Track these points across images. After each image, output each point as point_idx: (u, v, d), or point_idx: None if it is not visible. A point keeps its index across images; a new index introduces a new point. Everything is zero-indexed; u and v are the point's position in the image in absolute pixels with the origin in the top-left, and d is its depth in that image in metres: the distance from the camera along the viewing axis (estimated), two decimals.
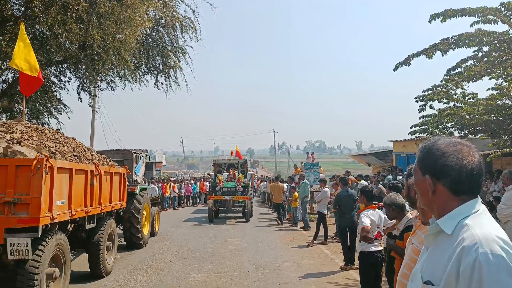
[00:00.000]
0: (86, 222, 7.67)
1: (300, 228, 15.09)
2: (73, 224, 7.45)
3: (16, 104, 12.72)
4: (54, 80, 13.78)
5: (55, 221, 6.06)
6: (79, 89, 14.50)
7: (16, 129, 6.76)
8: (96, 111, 20.81)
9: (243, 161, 22.32)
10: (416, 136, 11.48)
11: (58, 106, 14.00)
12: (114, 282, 7.98)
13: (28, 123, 7.71)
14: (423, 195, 1.54)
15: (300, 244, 11.96)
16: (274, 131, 71.42)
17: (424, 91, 11.11)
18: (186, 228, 16.00)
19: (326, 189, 12.52)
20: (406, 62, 8.48)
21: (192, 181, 30.96)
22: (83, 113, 23.14)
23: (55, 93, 13.73)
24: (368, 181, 16.06)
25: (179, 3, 15.39)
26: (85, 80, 14.01)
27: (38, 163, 5.54)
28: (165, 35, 15.33)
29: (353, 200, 9.23)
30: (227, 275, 8.45)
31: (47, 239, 5.81)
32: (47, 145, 6.48)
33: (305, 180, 15.75)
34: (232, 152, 32.36)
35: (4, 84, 12.57)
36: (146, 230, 12.12)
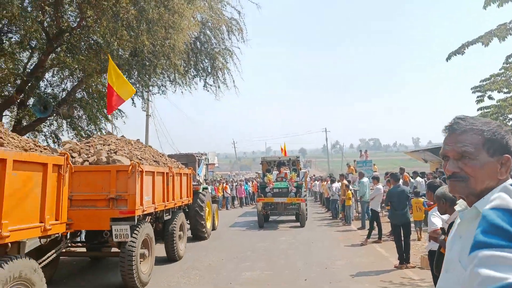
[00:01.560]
0: (164, 215, 9.31)
1: (358, 228, 14.61)
2: (153, 216, 8.97)
3: (75, 111, 13.39)
4: None
5: (145, 212, 7.67)
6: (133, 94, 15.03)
7: (111, 141, 8.53)
8: (150, 115, 21.52)
9: (295, 158, 19.17)
10: None
11: (114, 111, 14.57)
12: (166, 280, 8.19)
13: (117, 136, 9.44)
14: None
15: (354, 243, 11.70)
16: (326, 130, 70.54)
17: (481, 81, 10.51)
18: (237, 228, 16.11)
19: (380, 186, 12.15)
20: (460, 51, 8.02)
21: (241, 182, 31.11)
22: (137, 117, 24.01)
23: None
24: (425, 178, 15.45)
25: (225, 6, 15.58)
26: (137, 85, 14.50)
27: (133, 168, 7.07)
28: (212, 37, 15.54)
29: (406, 197, 8.89)
30: (278, 273, 8.42)
31: (139, 227, 7.38)
32: (135, 154, 8.05)
33: (364, 178, 15.19)
34: (282, 149, 29.79)
35: (63, 92, 13.27)
36: (208, 224, 13.76)
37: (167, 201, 9.00)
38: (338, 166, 79.85)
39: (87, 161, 7.34)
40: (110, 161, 7.32)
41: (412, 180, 16.11)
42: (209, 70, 16.19)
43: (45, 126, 13.48)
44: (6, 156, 4.26)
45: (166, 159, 10.16)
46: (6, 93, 12.19)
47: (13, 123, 12.62)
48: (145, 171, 7.55)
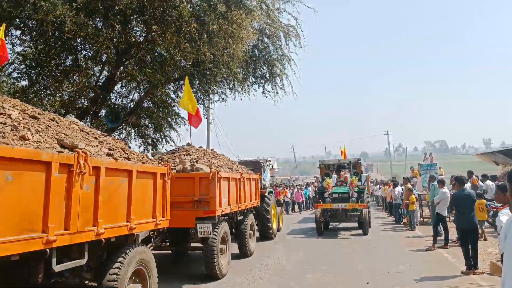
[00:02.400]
0: (237, 215, 10.38)
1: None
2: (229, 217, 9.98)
3: (142, 120, 14.22)
4: (173, 96, 15.08)
5: (223, 213, 8.78)
6: None
7: (192, 152, 9.77)
8: (211, 122, 22.21)
9: (355, 160, 18.00)
10: None
11: (177, 119, 15.26)
12: (231, 281, 8.48)
13: (196, 147, 10.59)
14: None
15: (419, 248, 11.39)
16: (387, 133, 68.60)
17: None
18: (293, 236, 15.51)
19: (445, 190, 11.71)
20: None
21: (298, 187, 30.94)
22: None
23: (174, 107, 15.01)
24: (496, 182, 14.65)
25: (282, 13, 15.80)
26: (199, 94, 15.09)
27: (213, 175, 8.19)
28: (270, 44, 15.81)
29: (472, 201, 8.54)
30: (340, 276, 8.44)
31: (219, 225, 8.51)
32: (213, 162, 9.16)
33: (435, 182, 14.56)
34: (341, 152, 27.84)
35: (131, 103, 14.14)
36: (274, 225, 14.69)
37: (239, 203, 10.07)
38: (401, 170, 77.22)
39: (174, 169, 8.22)
40: (193, 169, 8.54)
41: (481, 183, 15.35)
42: (267, 77, 16.46)
43: (116, 134, 14.41)
44: (133, 168, 5.47)
45: (237, 166, 11.32)
46: (81, 105, 13.23)
47: None
48: (223, 177, 8.71)
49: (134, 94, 14.52)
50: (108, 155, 5.11)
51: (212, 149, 11.51)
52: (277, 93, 16.67)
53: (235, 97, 16.44)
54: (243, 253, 10.74)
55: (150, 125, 14.83)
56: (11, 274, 4.18)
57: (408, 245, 11.97)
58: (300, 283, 7.97)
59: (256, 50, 15.88)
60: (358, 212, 14.86)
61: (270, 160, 17.00)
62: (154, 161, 6.89)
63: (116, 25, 10.65)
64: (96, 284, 5.00)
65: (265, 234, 13.86)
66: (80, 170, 4.27)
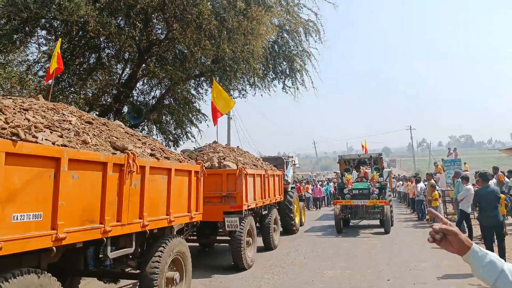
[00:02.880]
0: (261, 210, 10.90)
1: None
2: (254, 211, 10.53)
3: (164, 117, 14.42)
4: (194, 92, 15.24)
5: (249, 207, 9.36)
6: None
7: (219, 149, 10.31)
8: (231, 118, 22.31)
9: (376, 155, 17.26)
10: None
11: (198, 116, 15.42)
12: (252, 275, 8.57)
13: (222, 145, 11.23)
14: None
15: None
16: (410, 128, 67.54)
17: None
18: (313, 234, 14.70)
19: (469, 186, 11.52)
20: None
21: (322, 182, 30.69)
22: (220, 120, 24.92)
23: (195, 104, 15.17)
24: None
25: (302, 8, 15.76)
26: None
27: (240, 171, 8.78)
28: (290, 40, 15.78)
29: (496, 197, 8.33)
30: (360, 272, 8.42)
31: (245, 219, 9.05)
32: (239, 159, 9.70)
33: (459, 178, 14.26)
34: (362, 147, 27.49)
35: (153, 100, 14.35)
36: (297, 220, 15.05)
37: (264, 198, 10.64)
38: (425, 165, 76.00)
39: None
40: (221, 166, 9.07)
41: (507, 179, 15.01)
42: (287, 72, 16.46)
43: (138, 131, 14.65)
44: (171, 167, 6.03)
45: (262, 163, 11.79)
46: (104, 102, 13.50)
47: None
48: (248, 173, 9.26)
49: (155, 91, 14.74)
50: (151, 155, 5.62)
51: (238, 147, 12.03)
52: (297, 88, 16.67)
53: (255, 93, 16.51)
54: (267, 247, 11.21)
55: (171, 121, 15.02)
56: (69, 261, 4.97)
57: (430, 243, 11.81)
58: (319, 280, 7.99)
59: (276, 46, 15.88)
60: (379, 209, 14.28)
61: (292, 156, 17.29)
62: (189, 160, 7.34)
63: (138, 24, 10.83)
64: (138, 271, 5.61)
65: (288, 228, 14.17)
66: (130, 169, 4.82)
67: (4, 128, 3.38)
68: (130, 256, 5.61)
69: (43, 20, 10.94)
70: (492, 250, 8.07)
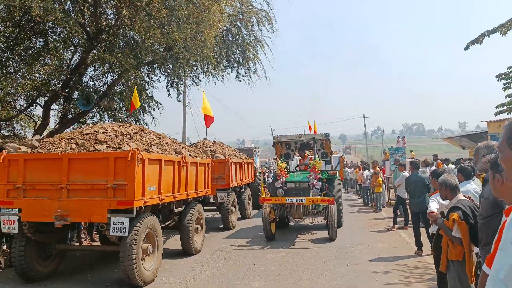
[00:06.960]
0: (240, 188, 14.82)
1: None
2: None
3: (115, 103, 14.28)
4: (146, 79, 15.14)
5: (233, 186, 13.24)
6: (168, 86, 15.71)
7: (210, 145, 14.21)
8: (187, 105, 22.33)
9: (322, 136, 12.49)
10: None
11: (151, 103, 15.35)
12: (198, 259, 8.88)
13: (211, 141, 15.23)
14: None
15: (380, 229, 11.99)
16: (364, 116, 69.61)
17: (509, 67, 10.41)
18: (232, 246, 10.17)
19: (405, 173, 12.31)
20: (478, 40, 8.03)
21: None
22: (174, 108, 24.82)
23: (147, 91, 15.07)
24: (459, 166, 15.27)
25: None
26: (173, 77, 15.20)
27: (227, 161, 12.71)
28: (243, 29, 16.00)
29: (423, 185, 9.03)
30: (300, 255, 8.92)
31: (231, 194, 13.13)
32: (225, 152, 13.63)
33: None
34: (310, 128, 17.24)
35: (104, 86, 14.18)
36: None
37: (242, 179, 14.59)
38: (378, 153, 78.63)
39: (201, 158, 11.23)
40: (213, 157, 12.28)
41: (445, 166, 16.01)
42: (241, 61, 16.69)
43: (89, 118, 14.45)
44: (197, 161, 9.74)
45: (239, 153, 15.95)
46: (54, 88, 13.21)
47: (60, 116, 13.66)
48: (232, 162, 12.95)
49: (107, 77, 14.52)
50: (189, 155, 9.19)
51: (221, 142, 15.86)
52: (250, 77, 16.96)
53: (209, 81, 16.65)
54: (243, 216, 15.03)
55: (123, 108, 14.88)
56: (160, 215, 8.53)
57: (370, 227, 12.56)
58: (261, 263, 8.40)
59: (229, 35, 16.06)
60: (322, 208, 10.83)
61: (258, 148, 22.46)
62: (202, 156, 10.59)
63: (86, 10, 10.67)
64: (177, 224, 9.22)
65: (258, 204, 16.02)
66: (184, 164, 8.57)
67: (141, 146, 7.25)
68: (178, 214, 8.95)
69: None
70: (419, 234, 8.77)
